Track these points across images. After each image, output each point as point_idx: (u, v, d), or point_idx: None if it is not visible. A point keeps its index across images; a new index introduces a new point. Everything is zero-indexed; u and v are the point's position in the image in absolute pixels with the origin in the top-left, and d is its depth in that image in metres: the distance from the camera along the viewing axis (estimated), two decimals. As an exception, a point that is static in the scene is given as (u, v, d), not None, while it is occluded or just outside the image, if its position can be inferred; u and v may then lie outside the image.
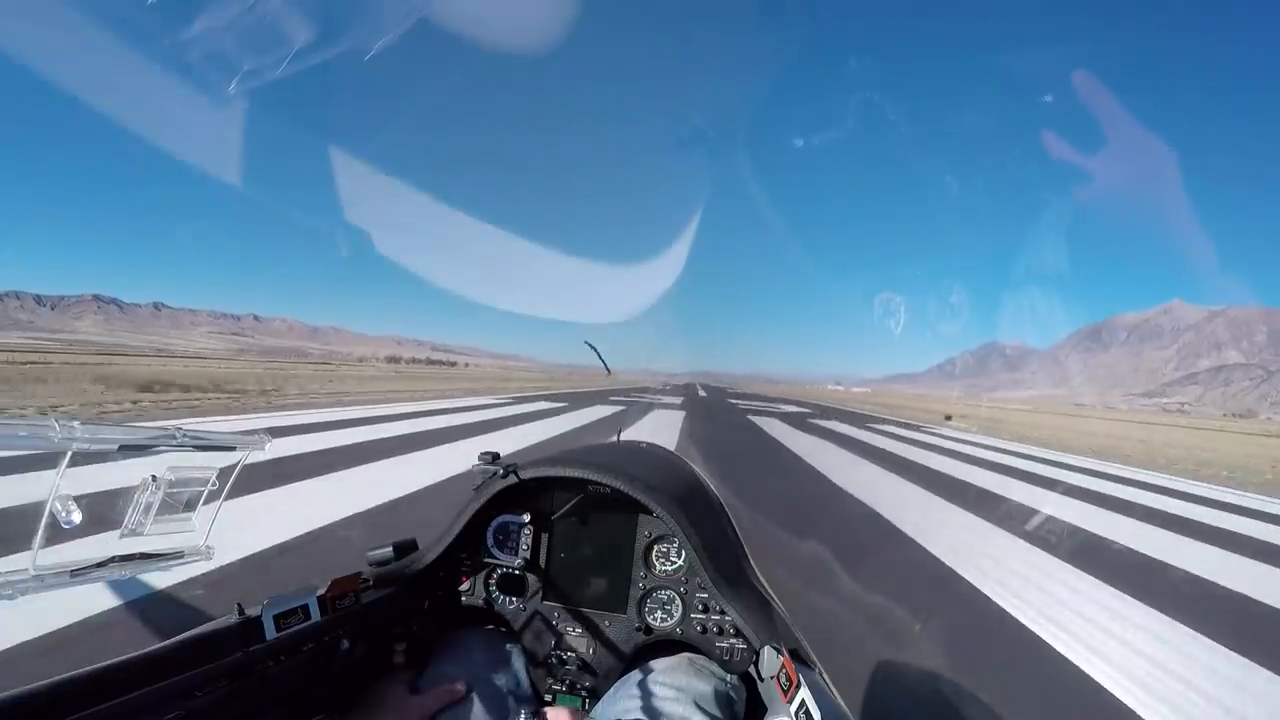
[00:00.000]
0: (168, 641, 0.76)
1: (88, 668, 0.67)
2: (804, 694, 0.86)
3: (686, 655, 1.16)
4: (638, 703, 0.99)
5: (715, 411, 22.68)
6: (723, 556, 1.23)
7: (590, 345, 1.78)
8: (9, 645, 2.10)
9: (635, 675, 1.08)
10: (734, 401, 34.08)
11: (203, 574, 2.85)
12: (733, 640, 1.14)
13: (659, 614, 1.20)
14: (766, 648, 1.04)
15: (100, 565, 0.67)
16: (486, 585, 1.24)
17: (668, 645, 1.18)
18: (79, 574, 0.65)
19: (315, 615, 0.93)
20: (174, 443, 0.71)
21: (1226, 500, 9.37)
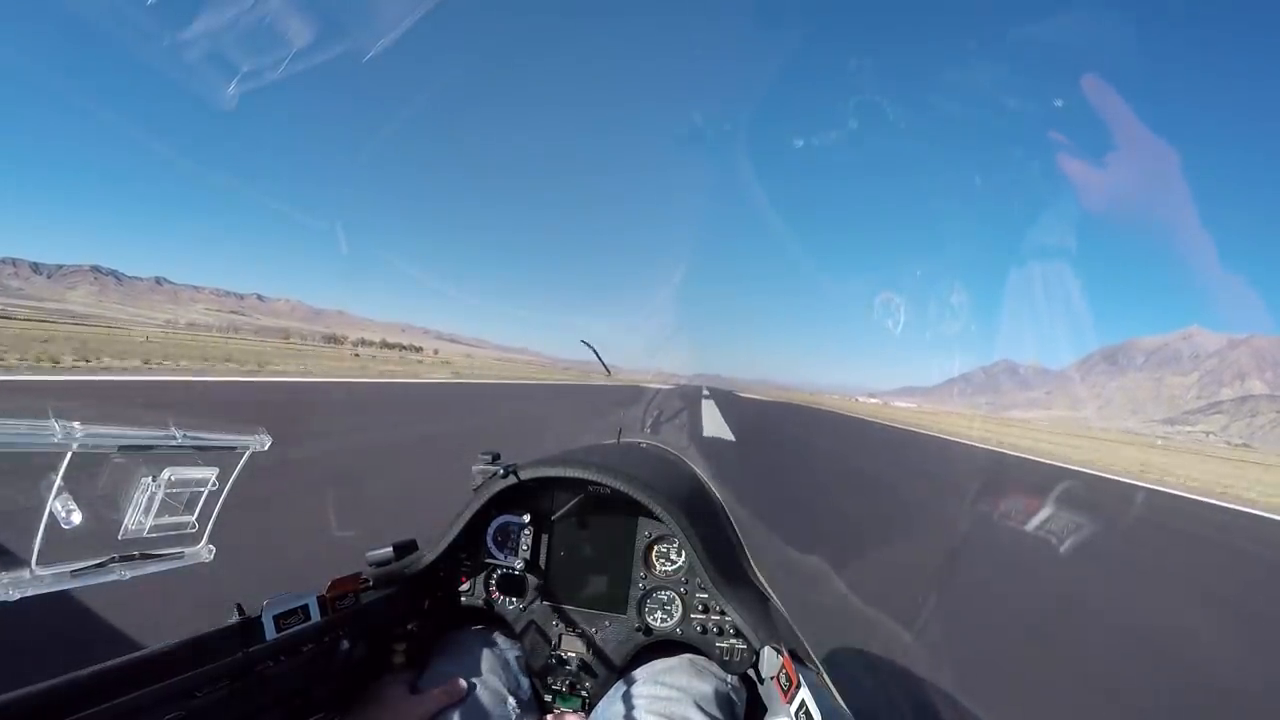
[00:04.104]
0: (168, 642, 0.76)
1: (88, 668, 0.67)
2: (804, 694, 0.87)
3: (687, 656, 1.16)
4: (637, 704, 0.99)
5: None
6: (723, 557, 1.24)
7: (587, 344, 1.77)
8: (9, 645, 2.14)
9: (635, 676, 1.09)
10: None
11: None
12: (733, 641, 1.14)
13: (659, 614, 1.20)
14: (766, 648, 1.04)
15: (100, 565, 0.66)
16: (486, 585, 1.24)
17: (668, 646, 1.19)
18: (79, 574, 0.64)
19: (315, 615, 0.93)
20: (174, 443, 0.71)
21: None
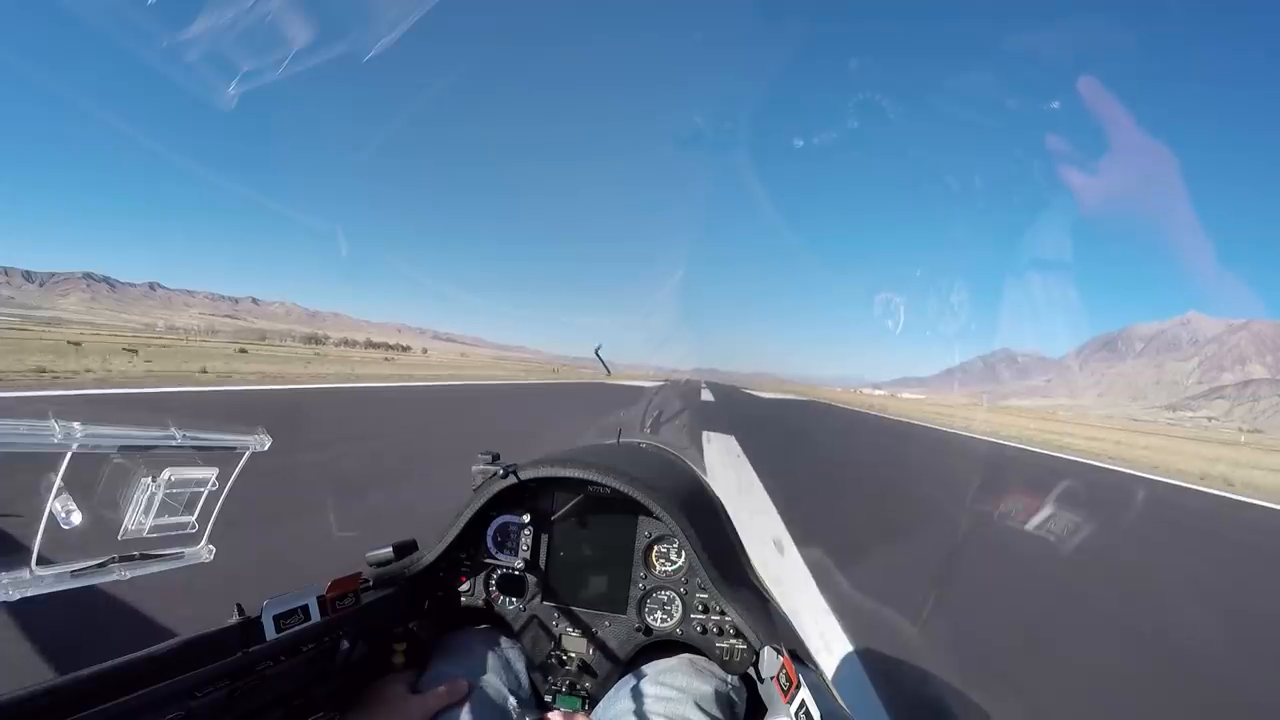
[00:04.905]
0: (168, 642, 0.76)
1: (88, 668, 0.67)
2: (804, 694, 0.87)
3: (687, 656, 1.16)
4: (638, 704, 0.99)
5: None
6: (723, 557, 1.24)
7: (598, 354, 1.92)
8: (9, 645, 2.14)
9: (635, 676, 1.09)
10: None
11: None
12: (732, 641, 1.14)
13: (659, 614, 1.20)
14: (766, 648, 1.05)
15: (100, 565, 0.66)
16: (486, 586, 1.24)
17: (668, 646, 1.19)
18: (79, 574, 0.64)
19: (315, 615, 0.93)
20: (174, 443, 0.71)
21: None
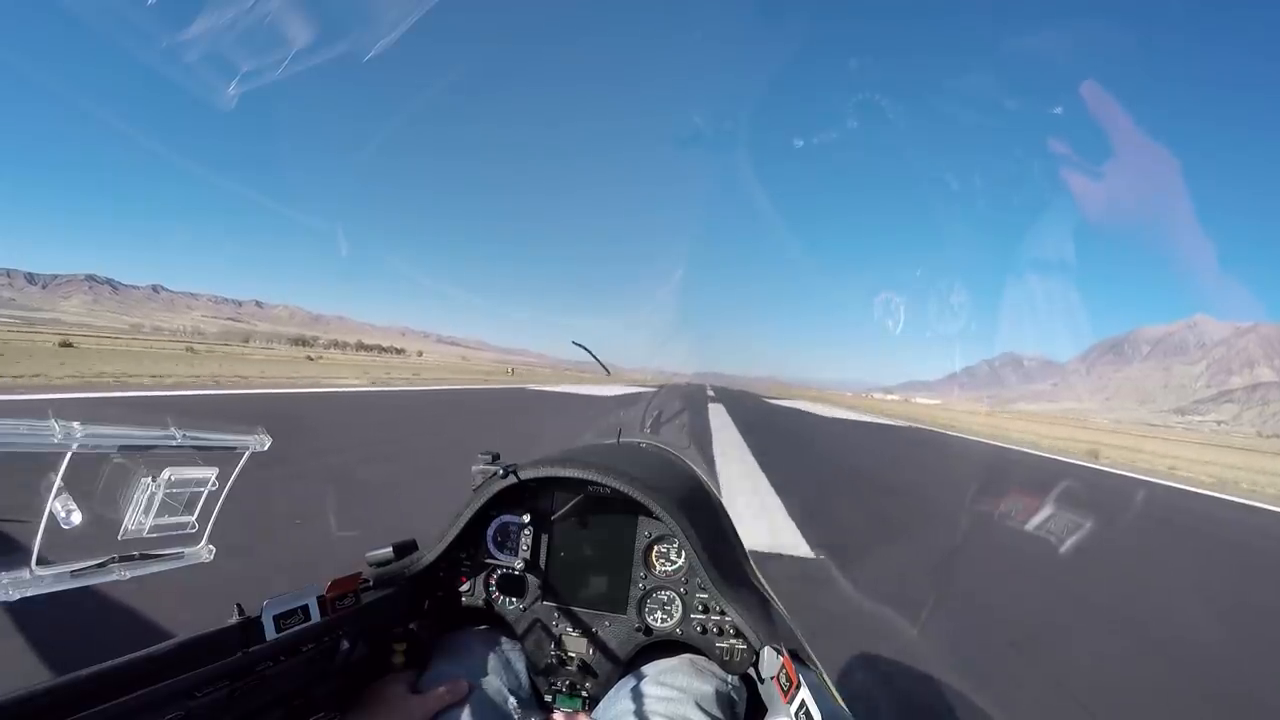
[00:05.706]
0: (168, 641, 0.76)
1: (88, 668, 0.67)
2: (804, 694, 0.87)
3: (687, 656, 1.16)
4: (638, 704, 0.99)
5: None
6: (723, 557, 1.24)
7: (580, 345, 1.80)
8: (9, 645, 2.15)
9: (635, 676, 1.09)
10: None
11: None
12: (733, 641, 1.14)
13: (659, 615, 1.20)
14: (766, 648, 1.05)
15: (100, 565, 0.66)
16: (486, 586, 1.24)
17: (668, 646, 1.19)
18: (79, 574, 0.64)
19: (315, 615, 0.93)
20: (174, 443, 0.71)
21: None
